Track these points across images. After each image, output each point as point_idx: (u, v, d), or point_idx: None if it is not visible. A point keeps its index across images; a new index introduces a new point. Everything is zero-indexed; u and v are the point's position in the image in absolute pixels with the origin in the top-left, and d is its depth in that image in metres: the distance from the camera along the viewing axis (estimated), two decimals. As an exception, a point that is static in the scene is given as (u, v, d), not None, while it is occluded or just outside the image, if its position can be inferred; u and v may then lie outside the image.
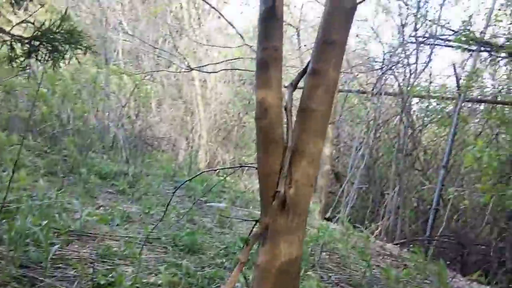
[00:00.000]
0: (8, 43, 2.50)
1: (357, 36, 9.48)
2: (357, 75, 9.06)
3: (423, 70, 7.70)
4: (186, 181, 4.13)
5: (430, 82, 8.15)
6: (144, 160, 7.64)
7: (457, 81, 7.23)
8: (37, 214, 3.64)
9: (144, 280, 2.96)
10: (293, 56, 9.22)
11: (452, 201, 6.63)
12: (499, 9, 6.93)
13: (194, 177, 4.33)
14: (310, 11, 10.30)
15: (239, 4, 12.07)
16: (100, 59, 9.41)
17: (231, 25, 4.99)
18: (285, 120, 2.30)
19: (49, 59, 2.45)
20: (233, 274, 2.08)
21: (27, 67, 2.51)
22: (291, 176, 2.17)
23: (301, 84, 2.55)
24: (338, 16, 2.25)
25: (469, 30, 6.69)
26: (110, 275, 2.84)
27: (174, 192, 4.22)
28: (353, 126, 9.35)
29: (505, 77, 7.55)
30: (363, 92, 8.39)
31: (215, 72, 9.72)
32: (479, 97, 7.88)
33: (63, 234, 3.54)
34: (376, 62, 9.31)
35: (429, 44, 7.58)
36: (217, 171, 8.56)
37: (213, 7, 9.70)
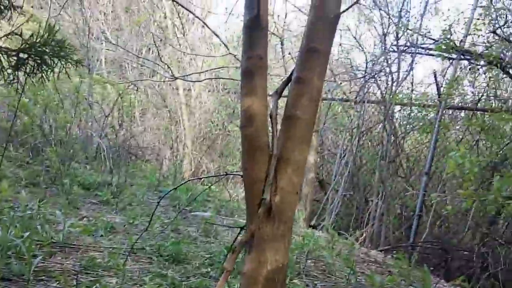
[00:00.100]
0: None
1: (340, 45, 9.60)
2: (341, 83, 9.15)
3: (405, 78, 7.83)
4: (171, 190, 4.11)
5: (412, 90, 8.28)
6: (128, 170, 7.57)
7: (438, 89, 7.37)
8: (19, 226, 3.57)
9: (129, 291, 2.93)
10: (277, 65, 9.28)
11: (435, 207, 6.71)
12: (478, 19, 7.09)
13: (179, 186, 4.31)
14: (294, 20, 10.37)
15: (223, 13, 12.10)
16: (83, 68, 9.32)
17: (215, 34, 5.00)
18: (270, 128, 2.32)
19: (38, 72, 2.43)
20: (219, 284, 2.07)
21: (14, 80, 2.47)
22: (276, 183, 2.18)
23: (285, 92, 2.58)
24: (322, 25, 2.28)
25: (449, 39, 6.82)
26: (94, 287, 2.80)
27: (158, 202, 4.18)
28: (337, 134, 9.43)
29: (484, 84, 7.71)
30: (347, 100, 8.49)
31: (200, 81, 9.72)
32: (459, 104, 8.03)
33: (45, 246, 3.48)
34: (359, 70, 9.44)
35: (410, 52, 7.72)
36: (202, 180, 8.52)
37: (197, 17, 9.71)
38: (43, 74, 2.44)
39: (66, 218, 4.17)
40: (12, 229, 3.25)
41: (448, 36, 6.79)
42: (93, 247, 3.79)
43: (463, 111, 8.15)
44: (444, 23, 7.61)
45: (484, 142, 7.44)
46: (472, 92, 8.25)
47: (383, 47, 7.97)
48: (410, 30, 7.60)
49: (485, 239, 6.37)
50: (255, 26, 2.28)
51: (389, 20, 7.83)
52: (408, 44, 7.66)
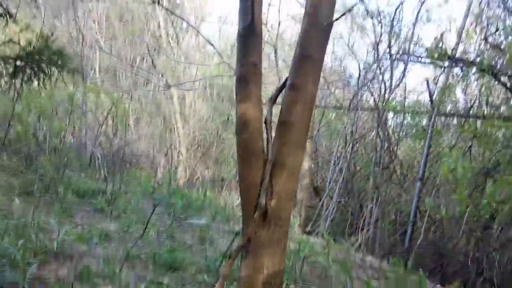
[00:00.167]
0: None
1: (333, 53, 9.69)
2: (334, 91, 9.22)
3: (398, 85, 7.89)
4: (167, 197, 4.12)
5: (405, 97, 8.35)
6: (123, 178, 7.54)
7: (430, 96, 7.43)
8: (13, 234, 3.57)
9: (125, 299, 2.92)
10: (271, 73, 9.33)
11: (429, 212, 6.74)
12: (469, 26, 7.19)
13: (175, 192, 4.31)
14: (287, 29, 10.44)
15: (216, 22, 12.17)
16: (77, 77, 9.32)
17: (209, 42, 5.05)
18: (265, 133, 2.35)
19: (35, 79, 2.45)
20: (216, 289, 2.08)
21: (11, 87, 2.49)
22: (272, 188, 2.20)
23: (279, 99, 2.61)
24: (315, 33, 2.32)
25: (441, 47, 6.90)
26: (90, 294, 2.80)
27: (153, 209, 4.19)
28: (331, 141, 9.47)
29: (476, 91, 7.80)
30: (340, 108, 8.54)
31: (194, 89, 9.76)
32: (452, 111, 8.11)
33: (40, 254, 3.47)
34: (352, 78, 9.52)
35: (403, 60, 7.79)
36: (197, 187, 8.52)
37: (191, 25, 9.79)
38: (40, 82, 2.46)
39: (60, 226, 4.14)
40: (6, 237, 3.24)
41: (440, 44, 6.87)
42: (88, 255, 3.77)
43: (455, 117, 8.23)
44: (436, 31, 7.71)
45: (476, 148, 7.50)
46: (464, 99, 8.34)
47: (375, 55, 8.04)
48: (402, 38, 7.69)
49: (479, 244, 6.41)
50: (249, 34, 2.32)
51: (381, 29, 7.91)
52: (401, 52, 7.74)
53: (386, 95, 7.58)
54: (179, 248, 4.28)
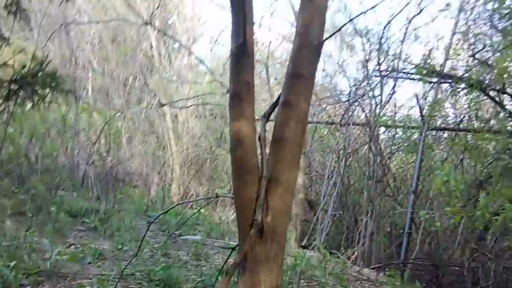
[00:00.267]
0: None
1: (323, 70, 9.82)
2: (326, 107, 9.31)
3: (388, 101, 7.99)
4: (161, 214, 4.11)
5: (395, 113, 8.46)
6: (116, 196, 7.52)
7: (421, 111, 7.53)
8: (5, 255, 3.54)
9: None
10: (263, 90, 9.42)
11: (424, 224, 6.78)
12: (457, 43, 7.34)
13: (169, 209, 4.30)
14: (278, 48, 10.59)
15: (208, 42, 12.32)
16: (70, 97, 9.33)
17: (201, 62, 5.12)
18: (259, 150, 2.38)
19: (28, 102, 2.48)
20: (213, 305, 2.09)
21: (5, 110, 2.52)
22: (267, 204, 2.22)
23: (272, 116, 2.65)
24: (306, 51, 2.38)
25: (429, 63, 7.03)
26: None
27: (148, 227, 4.18)
28: (324, 156, 9.52)
29: (465, 106, 7.92)
30: (332, 123, 8.61)
31: (187, 107, 9.81)
32: (442, 125, 8.20)
33: (33, 275, 3.45)
34: (343, 94, 9.63)
35: (392, 77, 7.91)
36: (191, 203, 8.49)
37: (183, 45, 9.90)
38: (34, 104, 2.49)
39: (53, 246, 4.13)
40: None
41: (429, 61, 7.00)
42: (81, 274, 3.75)
43: (446, 131, 8.33)
44: (424, 47, 7.85)
45: (468, 161, 7.58)
46: (454, 114, 8.45)
47: (365, 72, 8.16)
48: (391, 55, 7.82)
49: (474, 255, 6.44)
50: (242, 53, 2.37)
51: (370, 47, 8.05)
52: (390, 69, 7.86)
53: (377, 111, 7.67)
54: (174, 265, 4.26)
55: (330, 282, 4.33)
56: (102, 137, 9.21)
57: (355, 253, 6.49)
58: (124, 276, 3.69)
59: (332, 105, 9.82)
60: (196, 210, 6.32)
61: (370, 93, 7.88)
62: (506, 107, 6.51)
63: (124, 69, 11.81)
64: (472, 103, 7.29)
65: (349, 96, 8.60)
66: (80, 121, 9.28)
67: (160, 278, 3.75)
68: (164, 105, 8.40)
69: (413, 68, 7.51)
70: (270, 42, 8.98)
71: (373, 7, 3.00)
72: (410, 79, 7.98)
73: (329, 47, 9.47)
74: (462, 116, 8.00)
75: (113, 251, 4.71)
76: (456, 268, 6.45)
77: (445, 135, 8.43)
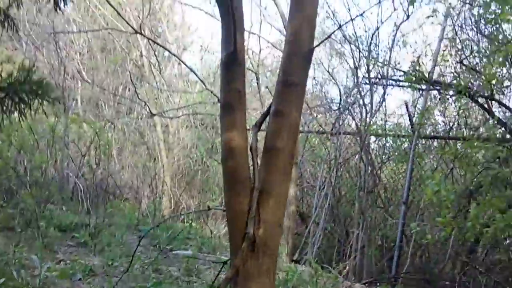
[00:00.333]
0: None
1: (314, 78, 9.83)
2: (316, 116, 9.30)
3: (378, 109, 7.98)
4: (151, 228, 4.05)
5: (386, 121, 8.46)
6: (106, 210, 7.42)
7: (410, 119, 7.54)
8: (-7, 271, 3.44)
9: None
10: (254, 99, 9.41)
11: (415, 237, 6.72)
12: (444, 50, 7.38)
13: (159, 223, 4.24)
14: (268, 56, 10.62)
15: (198, 50, 12.30)
16: (58, 108, 9.25)
17: (192, 70, 5.08)
18: (250, 160, 2.34)
19: (15, 110, 2.43)
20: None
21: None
22: (259, 216, 2.18)
23: (263, 126, 2.62)
24: (297, 59, 2.36)
25: (418, 70, 7.05)
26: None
27: (139, 242, 4.10)
28: (315, 166, 9.49)
29: (455, 113, 7.94)
30: (323, 132, 8.59)
31: (177, 117, 9.75)
32: (432, 133, 8.21)
33: (21, 292, 3.35)
34: (333, 103, 9.63)
35: (381, 84, 7.93)
36: (182, 217, 8.40)
37: (173, 54, 9.87)
38: (21, 113, 2.44)
39: (42, 262, 4.04)
40: (-14, 275, 3.13)
41: (417, 68, 7.03)
42: (71, 291, 3.66)
43: (436, 140, 8.35)
44: (412, 55, 7.89)
45: (458, 170, 7.57)
46: (443, 122, 8.47)
47: (355, 80, 8.17)
48: (380, 63, 7.84)
49: (465, 268, 6.39)
50: (232, 61, 2.35)
51: (359, 54, 8.07)
52: (379, 76, 7.88)
53: (368, 119, 7.66)
54: (165, 281, 4.18)
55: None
56: (92, 149, 9.10)
57: (347, 267, 6.43)
58: (114, 292, 3.61)
59: (323, 113, 9.82)
60: (187, 223, 6.23)
61: (360, 101, 7.88)
62: (495, 114, 6.54)
63: (113, 78, 11.75)
64: (461, 110, 7.31)
65: (339, 105, 8.61)
66: (69, 132, 9.18)
67: (150, 294, 3.68)
68: (155, 115, 8.34)
69: (402, 75, 7.55)
70: (260, 51, 8.99)
71: (361, 14, 3.00)
72: (400, 86, 8.02)
73: (319, 54, 9.50)
74: (451, 124, 8.02)
75: (104, 267, 4.62)
76: (447, 282, 6.40)
77: (435, 143, 8.44)
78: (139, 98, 9.23)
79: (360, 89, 7.98)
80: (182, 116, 9.80)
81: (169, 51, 9.86)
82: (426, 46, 8.05)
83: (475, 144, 5.46)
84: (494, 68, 5.67)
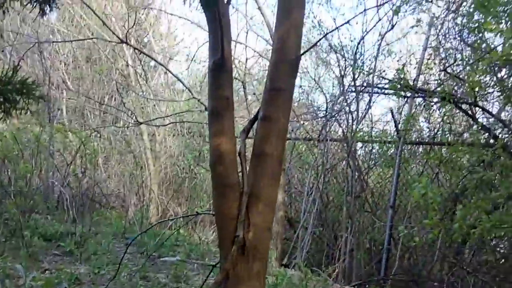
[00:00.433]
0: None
1: (300, 87, 9.91)
2: (303, 123, 9.37)
3: (364, 116, 8.07)
4: (138, 235, 4.03)
5: (372, 127, 8.55)
6: (92, 219, 7.36)
7: (396, 126, 7.64)
8: (-23, 282, 3.38)
9: None
10: (241, 108, 9.44)
11: (402, 239, 6.80)
12: (429, 59, 7.52)
13: (147, 229, 4.23)
14: (255, 65, 10.68)
15: (184, 60, 12.31)
16: (43, 118, 9.18)
17: (178, 79, 5.09)
18: (239, 166, 2.36)
19: (1, 111, 2.41)
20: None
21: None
22: (248, 220, 2.20)
23: (251, 133, 2.64)
24: (284, 66, 2.40)
25: (402, 78, 7.16)
26: None
27: (126, 249, 4.08)
28: (303, 172, 9.54)
29: (439, 120, 8.07)
30: (310, 139, 8.65)
31: (164, 125, 9.73)
32: (417, 139, 8.32)
33: (6, 302, 3.30)
34: (320, 110, 9.71)
35: (367, 92, 8.02)
36: (170, 224, 8.35)
37: (160, 63, 9.87)
38: (6, 112, 2.43)
39: (27, 272, 3.99)
40: (-29, 286, 3.08)
41: (402, 76, 7.13)
42: (58, 300, 3.62)
43: (421, 145, 8.46)
44: (397, 63, 8.01)
45: (443, 174, 7.68)
46: (428, 128, 8.60)
47: (341, 88, 8.25)
48: (365, 71, 7.94)
49: (453, 269, 6.47)
50: (220, 68, 2.37)
51: (345, 63, 8.17)
52: (365, 84, 7.97)
53: (354, 126, 7.74)
54: (153, 287, 4.16)
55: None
56: (77, 158, 9.03)
57: (336, 270, 6.46)
58: (101, 301, 3.58)
59: (310, 121, 9.89)
60: (175, 230, 6.21)
61: (347, 109, 7.96)
62: (479, 120, 6.66)
63: (99, 88, 11.69)
64: (445, 117, 7.43)
65: (326, 112, 8.68)
66: (54, 142, 9.10)
67: (139, 302, 3.65)
68: (141, 123, 8.31)
69: (387, 83, 7.65)
70: (247, 60, 9.04)
71: (347, 22, 3.07)
72: (385, 94, 8.12)
73: (305, 63, 9.60)
74: (436, 130, 8.14)
75: (90, 276, 4.57)
76: (435, 284, 6.47)
77: (421, 149, 8.55)
78: (125, 107, 9.20)
79: (346, 97, 8.07)
80: (169, 124, 9.79)
81: (155, 60, 9.87)
82: (411, 55, 8.19)
83: (460, 148, 5.55)
84: (477, 76, 5.78)
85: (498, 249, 6.78)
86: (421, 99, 7.76)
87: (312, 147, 9.04)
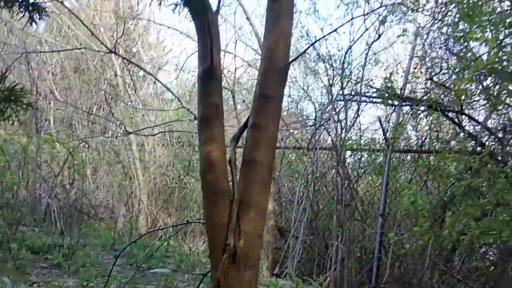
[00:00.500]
0: None
1: (289, 96, 9.95)
2: (293, 132, 9.39)
3: (352, 125, 8.12)
4: (127, 245, 3.98)
5: (360, 136, 8.61)
6: (81, 230, 7.26)
7: (384, 134, 7.69)
8: (-38, 296, 3.31)
9: None
10: (230, 116, 9.44)
11: (392, 248, 6.81)
12: (415, 68, 7.61)
13: (136, 240, 4.18)
14: (244, 74, 10.72)
15: (173, 69, 12.31)
16: (30, 128, 9.08)
17: (167, 88, 5.08)
18: (229, 173, 2.36)
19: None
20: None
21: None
22: (239, 228, 2.19)
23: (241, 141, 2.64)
24: (273, 74, 2.41)
25: (390, 87, 7.23)
26: None
27: (115, 261, 4.02)
28: (293, 181, 9.54)
29: (426, 128, 8.14)
30: (300, 148, 8.68)
31: (153, 135, 9.68)
32: (405, 147, 8.39)
33: (-8, 316, 3.23)
34: (309, 119, 9.75)
35: (355, 101, 8.08)
36: (160, 235, 8.27)
37: (149, 73, 9.84)
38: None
39: (14, 285, 3.92)
40: (-45, 299, 3.01)
41: (389, 84, 7.20)
42: (45, 313, 3.55)
43: (409, 153, 8.52)
44: (384, 72, 8.09)
45: (432, 182, 7.73)
46: (416, 136, 8.67)
47: (329, 97, 8.30)
48: (353, 80, 8.01)
49: (443, 276, 6.49)
50: (209, 76, 2.38)
51: (333, 72, 8.23)
52: (353, 93, 8.03)
53: (343, 135, 7.77)
54: (143, 299, 4.10)
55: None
56: (65, 169, 8.93)
57: (327, 279, 6.43)
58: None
59: (299, 129, 9.92)
60: (165, 240, 6.15)
61: (335, 117, 8.00)
62: (465, 127, 6.74)
63: (87, 98, 11.62)
64: (433, 125, 7.51)
65: (315, 121, 8.72)
66: (42, 152, 9.00)
67: (128, 313, 3.60)
68: (130, 133, 8.26)
69: (375, 92, 7.71)
70: (236, 69, 9.07)
71: (334, 30, 3.10)
72: (373, 102, 8.19)
73: (294, 72, 9.65)
74: (423, 138, 8.22)
75: (78, 288, 4.51)
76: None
77: (409, 157, 8.61)
78: (114, 117, 9.14)
79: (335, 105, 8.12)
80: (158, 134, 9.75)
81: (143, 69, 9.84)
82: (397, 64, 8.28)
83: (447, 156, 5.60)
84: (463, 84, 5.86)
85: (487, 256, 6.82)
86: (408, 107, 7.83)
87: (301, 156, 9.07)
